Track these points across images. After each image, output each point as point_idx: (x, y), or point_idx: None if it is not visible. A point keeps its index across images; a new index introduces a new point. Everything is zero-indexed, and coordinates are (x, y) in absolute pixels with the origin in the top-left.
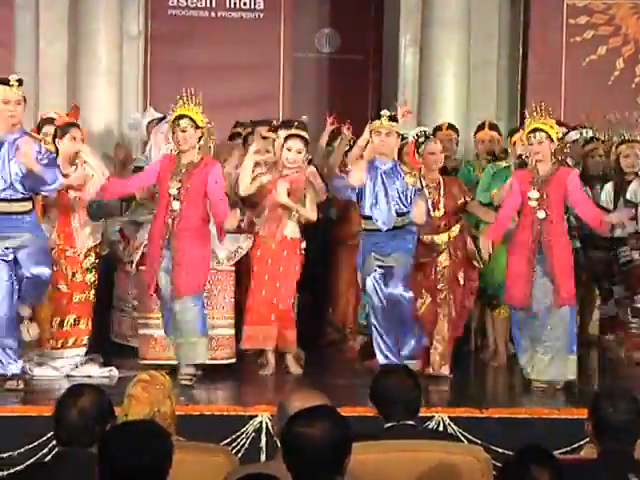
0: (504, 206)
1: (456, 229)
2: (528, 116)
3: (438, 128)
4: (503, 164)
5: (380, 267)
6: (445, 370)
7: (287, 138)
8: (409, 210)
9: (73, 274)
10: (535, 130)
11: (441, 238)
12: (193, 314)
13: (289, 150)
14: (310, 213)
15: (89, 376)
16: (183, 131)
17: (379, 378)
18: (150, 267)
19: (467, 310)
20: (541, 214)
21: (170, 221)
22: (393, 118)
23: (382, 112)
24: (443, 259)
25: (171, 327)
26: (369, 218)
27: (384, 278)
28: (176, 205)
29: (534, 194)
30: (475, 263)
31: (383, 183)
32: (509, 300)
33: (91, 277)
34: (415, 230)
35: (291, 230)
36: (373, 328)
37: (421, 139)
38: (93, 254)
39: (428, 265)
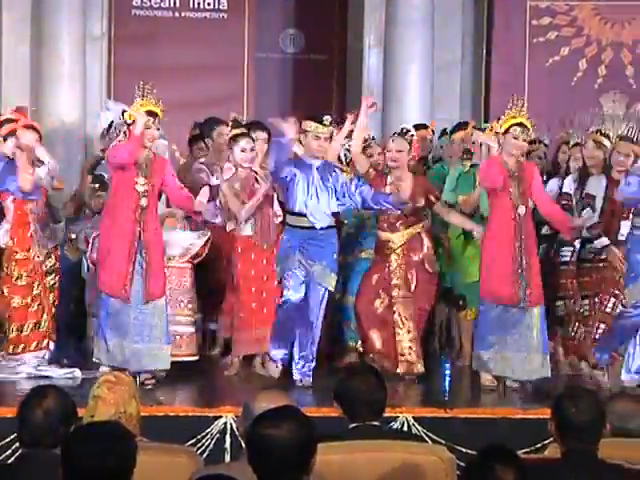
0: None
1: (415, 229)
2: (507, 113)
3: (423, 126)
4: (467, 166)
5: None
6: (421, 368)
7: (237, 138)
8: (344, 204)
9: (18, 277)
10: (519, 125)
11: (396, 237)
12: (163, 318)
13: (243, 151)
14: None
15: (50, 377)
16: (157, 129)
17: (344, 378)
18: (120, 270)
19: (426, 313)
20: (522, 210)
21: (140, 218)
22: (331, 122)
23: (324, 117)
24: (395, 258)
25: (131, 331)
26: (299, 215)
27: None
28: (145, 202)
29: (516, 190)
30: (428, 267)
31: (319, 179)
32: (490, 296)
33: (51, 280)
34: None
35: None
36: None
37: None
38: (53, 257)
39: (382, 263)
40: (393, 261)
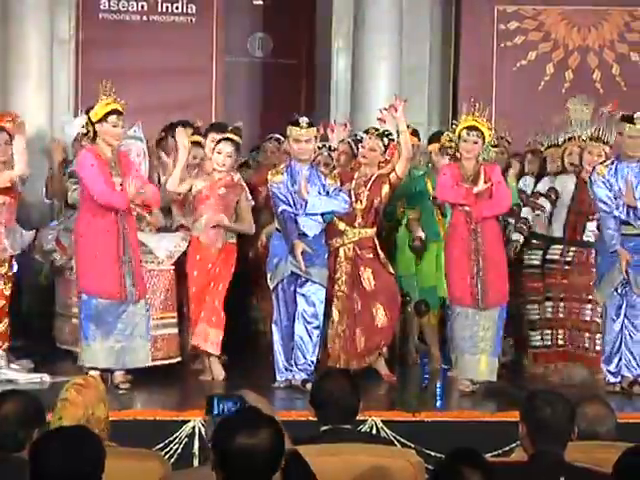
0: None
1: (368, 233)
2: (464, 114)
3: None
4: (420, 172)
5: (294, 273)
6: (347, 364)
7: (218, 141)
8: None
9: None
10: (472, 128)
11: (351, 231)
12: (146, 316)
13: (219, 153)
14: (249, 228)
15: (13, 381)
16: (122, 127)
17: (318, 381)
18: (112, 271)
19: (392, 306)
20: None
21: (120, 218)
22: (311, 124)
23: (300, 120)
24: (344, 251)
25: (115, 330)
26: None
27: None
28: None
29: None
30: (386, 265)
31: (307, 186)
32: (452, 298)
33: (3, 286)
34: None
35: (230, 235)
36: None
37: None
38: (7, 264)
39: (333, 253)
40: (340, 253)
